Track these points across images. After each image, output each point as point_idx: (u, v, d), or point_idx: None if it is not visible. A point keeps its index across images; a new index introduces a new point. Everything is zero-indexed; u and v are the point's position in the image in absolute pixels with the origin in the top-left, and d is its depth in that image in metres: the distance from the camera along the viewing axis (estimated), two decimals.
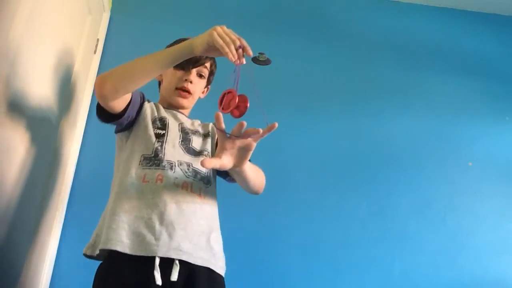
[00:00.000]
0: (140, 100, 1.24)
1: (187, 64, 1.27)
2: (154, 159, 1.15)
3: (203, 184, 1.19)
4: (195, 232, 1.10)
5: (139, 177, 1.12)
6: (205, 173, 1.21)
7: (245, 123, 0.95)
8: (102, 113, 1.14)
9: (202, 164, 0.95)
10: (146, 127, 1.21)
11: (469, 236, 1.84)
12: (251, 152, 1.01)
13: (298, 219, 1.76)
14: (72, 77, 1.57)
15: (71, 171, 1.68)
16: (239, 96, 1.00)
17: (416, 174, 1.90)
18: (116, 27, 1.95)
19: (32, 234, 1.37)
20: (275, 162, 1.81)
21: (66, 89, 1.52)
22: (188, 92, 1.30)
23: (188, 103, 1.33)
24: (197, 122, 1.36)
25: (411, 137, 1.96)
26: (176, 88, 1.29)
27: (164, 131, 1.22)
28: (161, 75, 1.36)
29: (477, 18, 2.20)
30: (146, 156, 1.16)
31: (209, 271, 1.10)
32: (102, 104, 1.11)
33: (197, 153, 1.24)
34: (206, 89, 1.41)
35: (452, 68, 2.10)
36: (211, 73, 1.39)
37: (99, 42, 1.85)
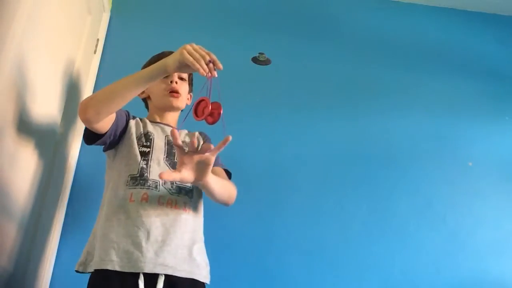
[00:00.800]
0: (126, 117, 1.31)
1: None
2: (139, 179, 1.22)
3: (187, 198, 1.25)
4: (179, 246, 1.17)
5: (126, 197, 1.20)
6: (189, 187, 1.26)
7: (195, 142, 1.02)
8: (87, 135, 1.22)
9: (160, 176, 1.01)
10: (131, 146, 1.27)
11: (469, 236, 1.83)
12: (210, 166, 1.08)
13: (298, 220, 1.75)
14: (72, 77, 1.57)
15: (71, 169, 1.68)
16: (212, 103, 1.06)
17: (416, 174, 1.90)
18: (116, 28, 1.95)
19: (33, 234, 1.37)
20: (274, 162, 1.81)
21: (66, 89, 1.52)
22: (177, 92, 1.37)
23: (180, 103, 1.40)
24: (184, 132, 1.43)
25: (411, 137, 1.96)
26: (166, 91, 1.37)
27: (149, 149, 1.27)
28: (144, 93, 1.42)
29: (477, 18, 2.20)
30: (133, 176, 1.23)
31: (192, 281, 1.17)
32: (88, 127, 1.17)
33: None
34: (189, 95, 1.50)
35: (452, 68, 2.10)
36: (190, 78, 1.49)
37: (99, 42, 1.85)
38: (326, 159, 1.86)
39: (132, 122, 1.31)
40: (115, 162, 1.29)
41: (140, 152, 1.26)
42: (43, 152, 1.36)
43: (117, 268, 1.10)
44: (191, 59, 1.04)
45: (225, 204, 1.30)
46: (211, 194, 1.21)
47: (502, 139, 2.00)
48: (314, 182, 1.82)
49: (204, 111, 1.06)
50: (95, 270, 1.13)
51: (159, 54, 1.37)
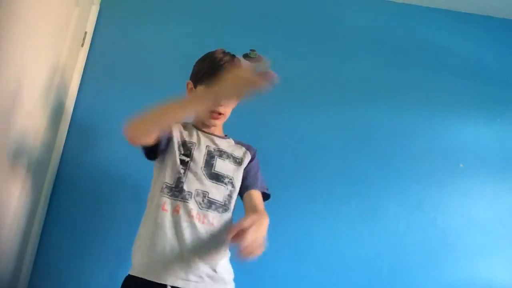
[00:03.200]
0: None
1: None
2: (174, 190, 1.22)
3: (217, 214, 1.24)
4: (205, 261, 1.18)
5: (159, 205, 1.21)
6: (222, 202, 1.26)
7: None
8: (144, 153, 1.24)
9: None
10: (172, 153, 1.26)
11: (458, 238, 1.83)
12: None
13: (286, 218, 1.74)
14: (58, 69, 1.53)
15: (55, 164, 1.65)
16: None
17: (406, 175, 1.89)
18: (105, 21, 1.90)
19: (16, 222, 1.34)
20: (262, 159, 1.78)
21: (51, 81, 1.49)
22: (220, 113, 1.34)
23: (220, 122, 1.38)
24: (230, 142, 1.41)
25: (402, 137, 1.95)
26: (209, 110, 1.33)
27: (188, 158, 1.26)
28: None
29: (471, 20, 2.19)
30: (168, 185, 1.23)
31: None
32: (132, 144, 1.15)
33: (218, 179, 1.28)
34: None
35: (445, 69, 2.09)
36: None
37: (86, 35, 1.81)
38: (315, 157, 1.85)
39: (175, 128, 1.30)
40: (160, 170, 1.27)
41: (180, 160, 1.25)
42: (26, 146, 1.32)
43: (142, 276, 1.14)
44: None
45: None
46: None
47: (493, 141, 2.00)
48: (303, 180, 1.80)
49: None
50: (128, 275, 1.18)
51: (210, 58, 1.35)
